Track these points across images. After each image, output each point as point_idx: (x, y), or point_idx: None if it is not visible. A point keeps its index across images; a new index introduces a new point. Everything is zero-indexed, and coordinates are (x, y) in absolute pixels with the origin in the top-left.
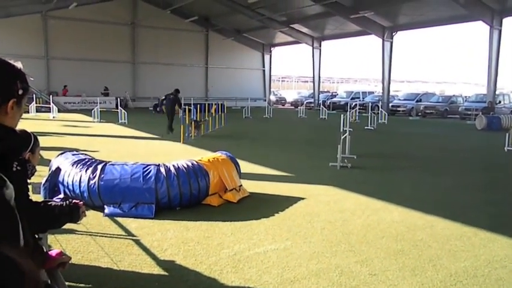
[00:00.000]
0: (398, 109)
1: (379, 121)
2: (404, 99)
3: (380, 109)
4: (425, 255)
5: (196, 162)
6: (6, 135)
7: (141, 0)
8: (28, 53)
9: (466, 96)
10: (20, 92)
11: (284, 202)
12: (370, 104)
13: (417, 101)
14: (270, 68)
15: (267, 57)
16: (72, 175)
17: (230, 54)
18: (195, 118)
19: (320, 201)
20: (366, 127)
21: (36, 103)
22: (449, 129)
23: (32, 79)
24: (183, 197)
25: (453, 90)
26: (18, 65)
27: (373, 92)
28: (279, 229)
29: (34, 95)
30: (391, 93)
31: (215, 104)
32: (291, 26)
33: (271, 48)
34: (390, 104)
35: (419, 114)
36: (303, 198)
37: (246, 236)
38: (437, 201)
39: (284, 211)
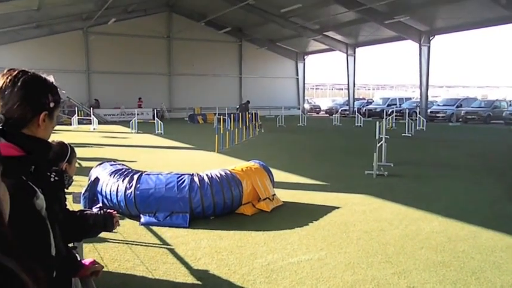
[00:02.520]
0: (438, 115)
1: (417, 128)
2: (443, 105)
3: (418, 115)
4: (467, 268)
5: (230, 171)
6: (39, 147)
7: (176, 13)
8: (70, 68)
9: (510, 101)
10: (52, 104)
11: (318, 211)
12: (407, 111)
13: (457, 107)
14: (304, 76)
15: (300, 65)
16: (110, 185)
17: (263, 63)
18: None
19: (356, 211)
20: (403, 134)
21: (78, 115)
22: (492, 136)
23: (64, 92)
24: (216, 206)
25: (496, 94)
26: (50, 78)
27: (410, 98)
28: (313, 239)
29: (76, 108)
30: (430, 98)
31: (249, 113)
32: (325, 33)
33: (305, 57)
34: (429, 110)
35: (460, 120)
36: (337, 208)
37: (280, 246)
38: (479, 211)
39: (318, 220)
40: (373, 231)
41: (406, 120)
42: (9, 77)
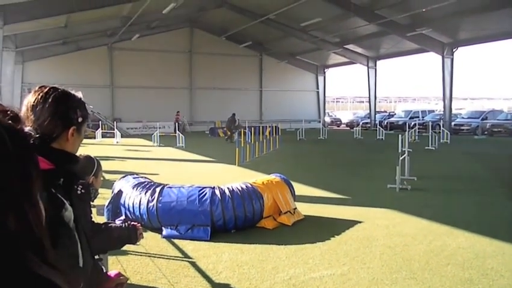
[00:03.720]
0: (462, 128)
1: (441, 141)
2: (468, 118)
3: (441, 128)
4: (496, 286)
5: (251, 184)
6: (67, 161)
7: (197, 28)
8: (95, 83)
9: None
10: (80, 119)
11: (340, 225)
12: (430, 123)
13: (483, 119)
14: (324, 89)
15: (320, 78)
16: (133, 198)
17: (284, 76)
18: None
19: (378, 225)
20: (426, 147)
21: (101, 129)
22: None
23: (91, 107)
24: (237, 220)
25: None
26: (79, 94)
27: (433, 111)
28: (335, 253)
29: (100, 122)
30: (454, 111)
31: (269, 127)
32: (345, 46)
33: (325, 70)
34: (453, 123)
35: (486, 133)
36: (360, 222)
37: (301, 260)
38: (507, 226)
39: (340, 235)
40: (397, 246)
41: (430, 133)
42: (41, 94)
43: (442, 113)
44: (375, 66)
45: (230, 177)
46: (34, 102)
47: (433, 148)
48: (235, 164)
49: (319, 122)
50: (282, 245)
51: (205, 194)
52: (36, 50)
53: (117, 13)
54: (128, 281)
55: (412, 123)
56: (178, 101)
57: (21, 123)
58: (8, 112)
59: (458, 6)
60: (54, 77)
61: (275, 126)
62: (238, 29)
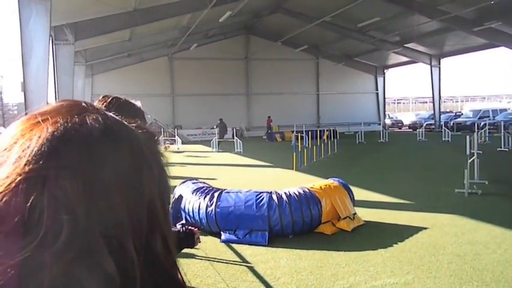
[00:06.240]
0: None
1: None
2: None
3: None
4: None
5: (308, 189)
6: None
7: (253, 35)
8: (157, 92)
9: None
10: None
11: (403, 232)
12: (502, 123)
13: None
14: (384, 90)
15: (380, 79)
16: (192, 202)
17: (341, 79)
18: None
19: (445, 232)
20: (498, 149)
21: (163, 136)
22: None
23: (149, 116)
24: (295, 225)
25: None
26: (138, 103)
27: (506, 110)
28: (399, 261)
29: (162, 129)
30: None
31: (327, 130)
32: (405, 45)
33: (385, 70)
34: None
35: None
36: (425, 228)
37: (362, 268)
38: None
39: (403, 242)
40: (467, 255)
41: (502, 133)
42: (104, 103)
43: None
44: (439, 64)
45: (287, 182)
46: None
47: (506, 149)
48: (292, 169)
49: (379, 124)
50: (341, 251)
51: (263, 199)
52: (104, 63)
53: (176, 24)
54: (188, 284)
55: (482, 124)
56: (235, 106)
57: None
58: None
59: None
60: (120, 87)
61: (333, 130)
62: (293, 33)
